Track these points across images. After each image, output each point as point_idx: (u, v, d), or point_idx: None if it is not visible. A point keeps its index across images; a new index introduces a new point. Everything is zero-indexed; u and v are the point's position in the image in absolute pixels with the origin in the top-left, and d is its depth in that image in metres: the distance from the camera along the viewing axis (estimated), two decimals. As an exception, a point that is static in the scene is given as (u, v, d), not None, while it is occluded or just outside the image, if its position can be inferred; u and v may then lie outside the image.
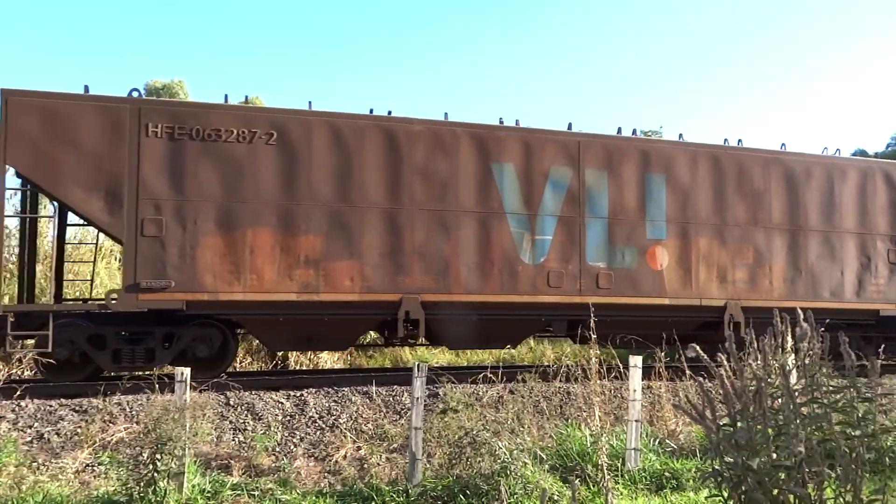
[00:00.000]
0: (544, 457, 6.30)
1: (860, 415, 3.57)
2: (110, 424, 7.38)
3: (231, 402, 8.07)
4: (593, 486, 5.78)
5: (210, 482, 5.93)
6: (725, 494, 3.26)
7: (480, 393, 8.63)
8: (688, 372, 7.68)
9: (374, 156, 9.45)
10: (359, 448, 7.38)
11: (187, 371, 6.21)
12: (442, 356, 14.09)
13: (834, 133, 76.87)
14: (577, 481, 5.76)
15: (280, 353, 12.82)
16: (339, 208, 9.28)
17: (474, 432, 6.08)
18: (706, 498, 4.98)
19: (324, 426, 7.86)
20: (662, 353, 8.49)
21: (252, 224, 8.97)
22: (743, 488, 3.17)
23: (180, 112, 8.97)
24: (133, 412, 7.58)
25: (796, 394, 3.43)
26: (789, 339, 4.14)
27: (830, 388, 3.64)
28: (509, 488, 5.59)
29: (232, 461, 6.81)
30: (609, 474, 5.39)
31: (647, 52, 76.13)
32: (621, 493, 5.76)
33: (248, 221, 8.96)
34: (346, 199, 9.32)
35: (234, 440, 7.41)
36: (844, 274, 11.38)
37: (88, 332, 8.76)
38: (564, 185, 10.17)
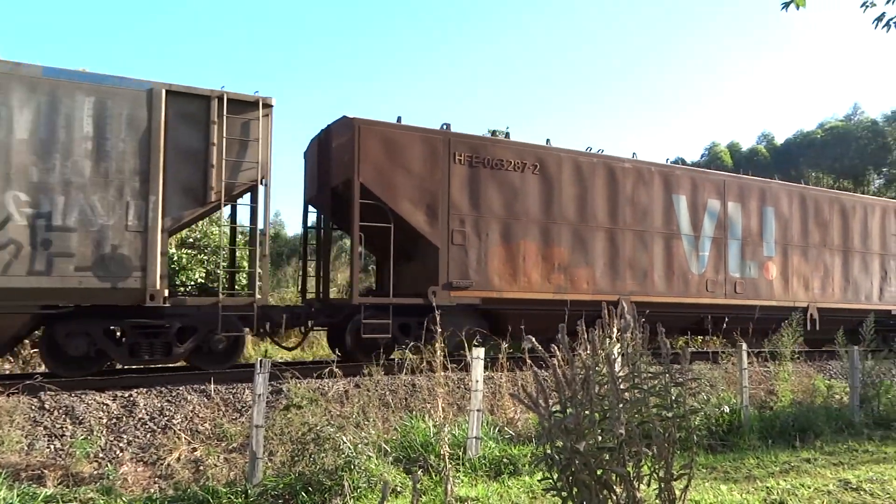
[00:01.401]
0: (388, 449, 6.33)
1: (673, 398, 3.93)
2: None
3: (46, 406, 7.31)
4: (436, 475, 5.89)
5: (18, 495, 5.33)
6: (555, 476, 3.44)
7: (326, 388, 8.50)
8: (528, 362, 8.07)
9: (600, 186, 12.20)
10: (194, 449, 6.99)
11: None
12: (287, 351, 13.70)
13: (663, 143, 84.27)
14: (419, 472, 5.85)
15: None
16: (578, 227, 11.94)
17: (318, 428, 5.98)
18: (539, 480, 5.26)
19: (155, 428, 7.35)
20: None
21: (523, 237, 11.36)
22: (571, 470, 3.36)
23: (476, 144, 11.18)
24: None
25: (619, 381, 3.71)
26: (613, 329, 4.47)
27: (649, 374, 3.98)
28: (353, 482, 5.55)
29: (46, 470, 6.17)
30: (450, 463, 5.52)
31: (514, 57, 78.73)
32: (462, 481, 5.92)
33: (521, 235, 11.34)
34: (583, 220, 11.98)
35: (49, 447, 6.72)
36: (873, 283, 15.86)
37: (398, 322, 10.44)
38: (715, 213, 13.60)
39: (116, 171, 8.71)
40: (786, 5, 6.55)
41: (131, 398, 7.78)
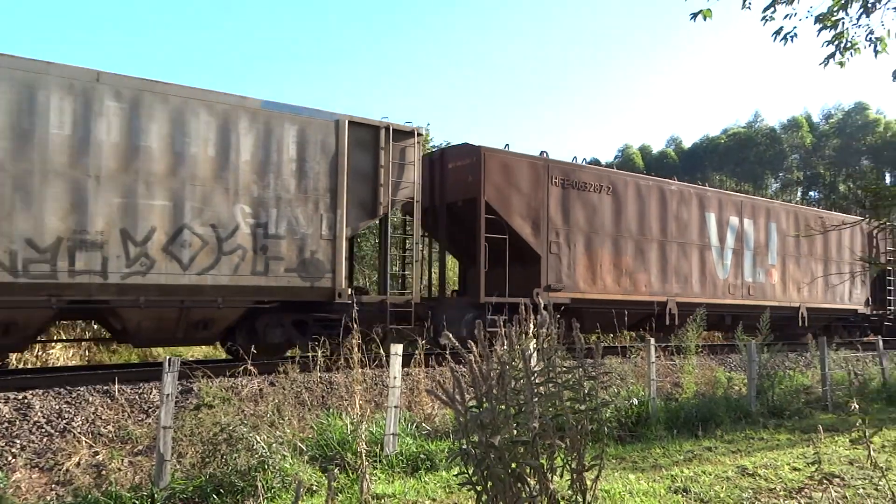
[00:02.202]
0: (304, 448, 6.22)
1: (586, 391, 4.04)
2: None
3: (-72, 410, 6.76)
4: (352, 473, 5.83)
5: None
6: (471, 471, 3.47)
7: (240, 386, 8.27)
8: (448, 357, 8.11)
9: (654, 205, 14.58)
10: (96, 454, 6.63)
11: None
12: (199, 349, 13.23)
13: (580, 143, 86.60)
14: (335, 470, 5.77)
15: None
16: (639, 239, 14.22)
17: (231, 428, 5.79)
18: (455, 475, 5.29)
19: (53, 431, 6.91)
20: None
21: (600, 247, 13.50)
22: (486, 464, 3.40)
23: (567, 169, 13.27)
24: None
25: (535, 375, 3.78)
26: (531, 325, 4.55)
27: (563, 369, 4.07)
28: (267, 482, 5.41)
29: (-74, 480, 5.70)
30: (367, 460, 5.47)
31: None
32: (379, 478, 5.89)
33: (598, 246, 13.47)
34: (642, 234, 14.31)
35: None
36: (845, 287, 18.76)
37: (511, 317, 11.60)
38: (735, 228, 16.27)
39: (313, 188, 10.35)
40: (694, 16, 6.86)
41: (25, 400, 7.29)
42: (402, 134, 11.32)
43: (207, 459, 5.73)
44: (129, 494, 5.41)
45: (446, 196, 12.64)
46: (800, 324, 17.38)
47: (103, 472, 6.31)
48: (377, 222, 11.65)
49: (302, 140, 10.23)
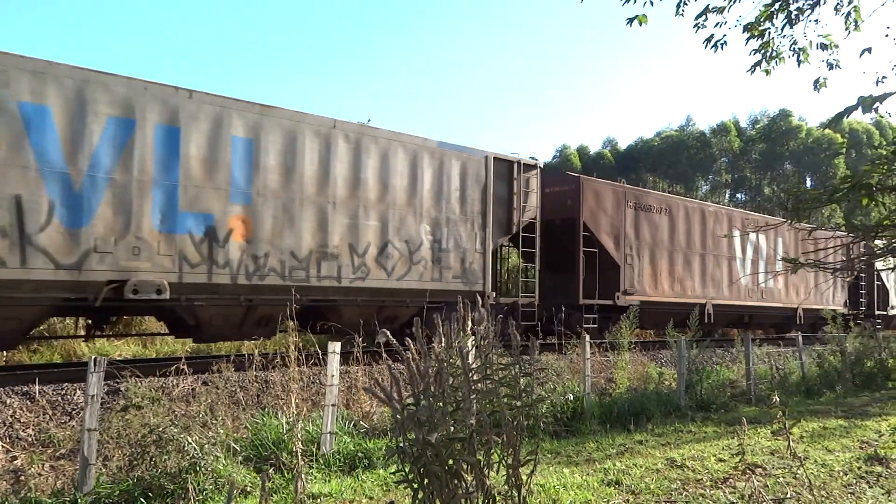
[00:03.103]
0: (238, 448, 6.08)
1: (522, 387, 4.09)
2: None
3: None
4: (288, 473, 5.73)
5: None
6: (407, 468, 3.46)
7: (170, 386, 8.01)
8: (384, 356, 8.06)
9: (697, 224, 17.55)
10: (14, 458, 6.30)
11: None
12: (127, 348, 12.77)
13: (518, 142, 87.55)
14: (270, 470, 5.67)
15: None
16: (686, 252, 17.18)
17: (160, 429, 5.60)
18: (392, 473, 5.28)
19: (-34, 436, 6.54)
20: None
21: (660, 259, 16.42)
22: (423, 461, 3.40)
23: (638, 194, 16.59)
24: None
25: (472, 372, 3.80)
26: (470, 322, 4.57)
27: (500, 365, 4.10)
28: (198, 484, 5.27)
29: None
30: (303, 460, 5.40)
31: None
32: (315, 477, 5.81)
33: (658, 258, 16.40)
34: (689, 247, 17.27)
35: None
36: (830, 291, 21.74)
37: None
38: (753, 241, 19.29)
39: (470, 211, 12.89)
40: (630, 21, 7.03)
41: (-64, 403, 6.88)
42: (528, 167, 14.06)
43: (135, 462, 5.53)
44: (50, 500, 5.18)
45: (544, 215, 14.67)
46: (797, 322, 20.48)
47: (22, 478, 6.00)
48: (509, 238, 14.18)
49: (463, 173, 12.84)
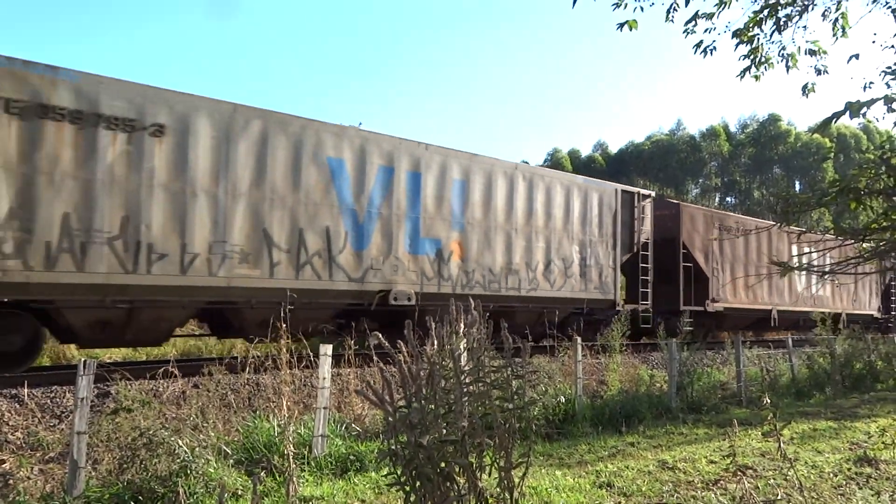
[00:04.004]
0: (229, 451, 6.05)
1: (514, 390, 4.09)
2: None
3: None
4: (279, 476, 5.71)
5: None
6: (399, 471, 3.46)
7: (161, 389, 7.97)
8: (375, 358, 8.05)
9: (764, 242, 20.00)
10: (2, 462, 6.25)
11: None
12: (117, 351, 12.69)
13: (509, 145, 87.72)
14: (261, 473, 5.65)
15: None
16: (756, 265, 19.58)
17: (151, 432, 5.57)
18: (384, 476, 5.27)
19: (-46, 439, 6.48)
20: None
21: (738, 273, 19.02)
22: (415, 464, 3.40)
23: (721, 217, 19.92)
24: None
25: (464, 375, 3.80)
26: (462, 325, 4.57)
27: (492, 368, 4.11)
28: (189, 488, 5.23)
29: None
30: (295, 463, 5.38)
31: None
32: (307, 480, 5.79)
33: (737, 272, 18.99)
34: (758, 261, 19.68)
35: None
36: (866, 297, 25.19)
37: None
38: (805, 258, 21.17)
39: (604, 233, 15.66)
40: (620, 26, 7.06)
41: (-76, 407, 6.81)
42: (644, 196, 16.86)
43: (125, 465, 5.49)
44: (39, 504, 5.13)
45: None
46: (841, 325, 21.65)
47: (10, 482, 5.95)
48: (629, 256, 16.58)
49: (600, 202, 15.60)
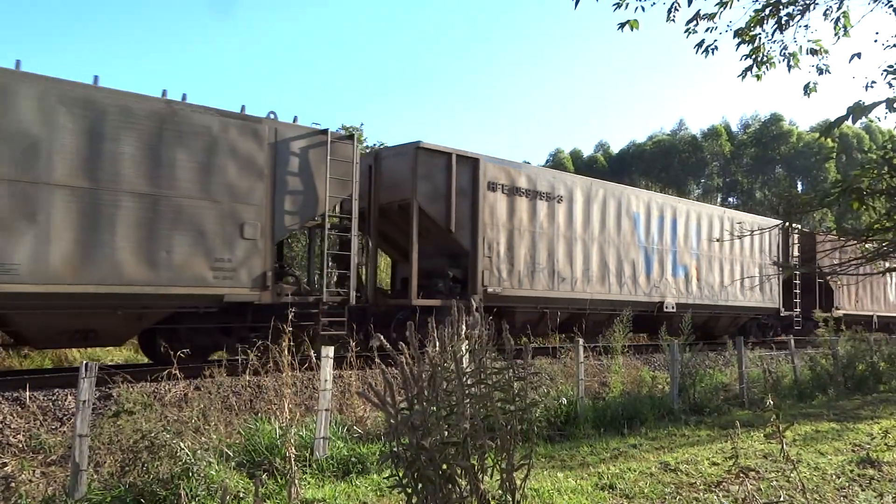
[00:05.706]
0: (231, 454, 6.04)
1: (516, 392, 4.08)
2: None
3: None
4: (281, 478, 5.71)
5: None
6: (401, 473, 3.45)
7: (163, 391, 7.97)
8: (377, 360, 8.04)
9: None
10: (3, 465, 6.25)
11: None
12: (118, 353, 12.70)
13: (510, 145, 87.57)
14: (263, 476, 5.64)
15: None
16: (870, 279, 22.25)
17: (153, 434, 5.56)
18: (386, 478, 5.26)
19: (-44, 442, 6.48)
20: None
21: (852, 284, 22.69)
22: (417, 466, 3.39)
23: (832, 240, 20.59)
24: None
25: (466, 377, 3.79)
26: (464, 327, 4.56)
27: (494, 369, 4.10)
28: (191, 490, 5.23)
29: None
30: (297, 465, 5.37)
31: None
32: (309, 482, 5.79)
33: (851, 282, 22.33)
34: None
35: None
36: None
37: None
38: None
39: (766, 256, 20.01)
40: (621, 26, 7.05)
41: (-74, 409, 6.82)
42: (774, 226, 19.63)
43: (127, 468, 5.49)
44: (40, 507, 5.13)
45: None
46: (873, 327, 23.91)
47: (12, 485, 5.95)
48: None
49: (770, 237, 18.95)
